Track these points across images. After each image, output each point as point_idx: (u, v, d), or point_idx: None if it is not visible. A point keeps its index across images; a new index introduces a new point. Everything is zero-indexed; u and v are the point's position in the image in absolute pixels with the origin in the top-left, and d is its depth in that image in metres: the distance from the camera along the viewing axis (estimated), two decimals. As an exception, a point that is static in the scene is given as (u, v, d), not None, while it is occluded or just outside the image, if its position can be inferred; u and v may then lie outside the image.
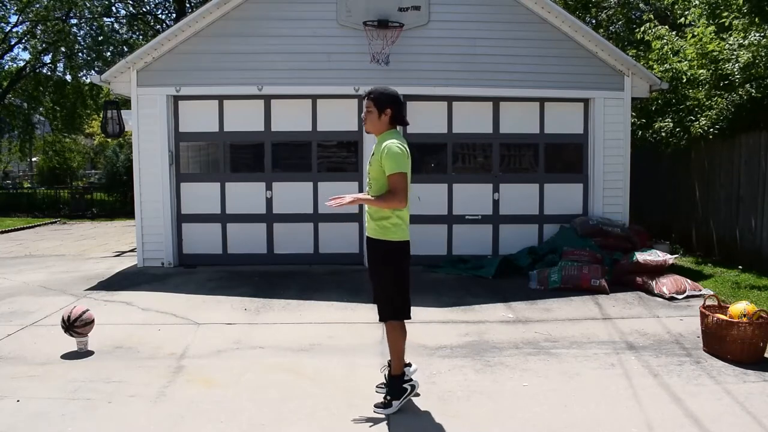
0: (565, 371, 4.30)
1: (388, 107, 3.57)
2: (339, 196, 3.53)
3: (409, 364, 3.80)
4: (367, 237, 3.69)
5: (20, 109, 20.66)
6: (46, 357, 4.60)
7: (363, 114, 3.65)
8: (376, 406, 3.64)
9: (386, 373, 3.82)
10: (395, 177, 3.45)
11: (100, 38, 19.14)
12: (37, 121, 21.80)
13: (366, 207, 3.66)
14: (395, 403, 3.60)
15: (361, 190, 8.08)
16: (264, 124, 8.14)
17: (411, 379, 3.71)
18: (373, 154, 3.60)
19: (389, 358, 3.73)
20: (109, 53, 18.93)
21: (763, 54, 7.42)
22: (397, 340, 3.63)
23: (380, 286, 3.66)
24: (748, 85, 7.77)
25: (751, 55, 7.50)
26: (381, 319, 3.71)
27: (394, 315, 3.63)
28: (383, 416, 3.55)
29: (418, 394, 3.76)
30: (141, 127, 7.91)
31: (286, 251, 8.21)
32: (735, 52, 7.82)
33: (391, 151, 3.45)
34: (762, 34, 7.50)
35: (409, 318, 3.68)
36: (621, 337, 5.07)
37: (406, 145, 3.56)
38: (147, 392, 3.93)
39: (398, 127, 3.69)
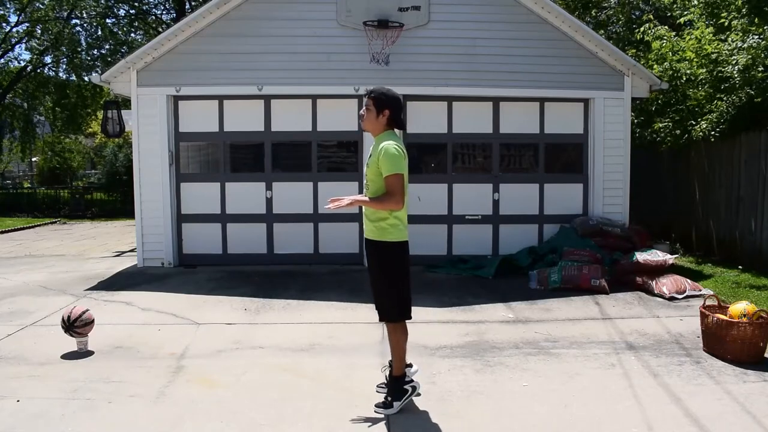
0: (565, 371, 4.30)
1: (387, 108, 3.57)
2: (338, 198, 3.55)
3: (410, 365, 3.79)
4: (366, 239, 3.70)
5: (21, 109, 20.66)
6: (46, 357, 4.60)
7: (362, 110, 3.66)
8: (377, 405, 3.64)
9: (387, 373, 3.81)
10: (392, 178, 3.46)
11: (101, 38, 19.15)
12: (37, 121, 21.80)
13: (364, 208, 3.66)
14: (396, 404, 3.60)
15: (360, 191, 8.08)
16: (264, 124, 8.14)
17: (412, 380, 3.70)
18: (370, 156, 3.61)
19: (390, 359, 3.72)
20: (106, 51, 18.93)
21: (762, 56, 7.41)
22: (398, 341, 3.63)
23: (380, 287, 3.66)
24: (747, 88, 7.77)
25: (750, 57, 7.50)
26: (381, 320, 3.71)
27: (395, 316, 3.63)
28: (383, 416, 3.55)
29: (419, 394, 3.76)
30: (141, 127, 7.91)
31: (286, 251, 8.21)
32: (734, 56, 7.82)
33: (388, 153, 3.45)
34: (761, 36, 7.49)
35: (410, 318, 3.67)
36: (621, 337, 5.07)
37: (403, 147, 3.57)
38: (147, 392, 3.93)
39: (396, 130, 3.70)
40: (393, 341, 3.65)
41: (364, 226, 3.71)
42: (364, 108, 3.64)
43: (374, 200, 3.52)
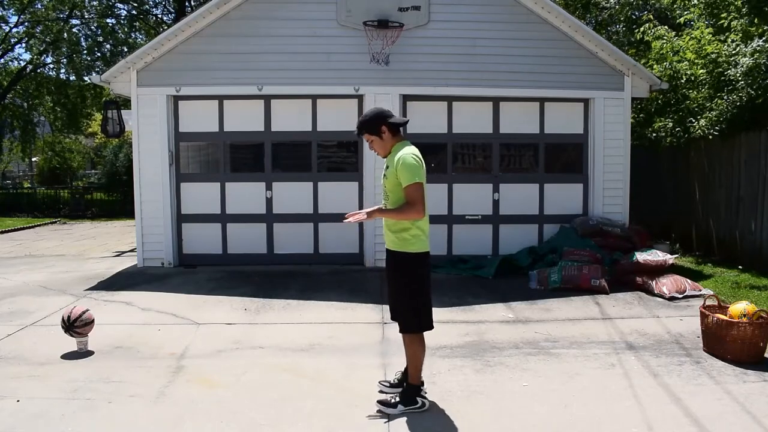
0: (565, 371, 4.30)
1: (380, 125, 3.56)
2: (356, 212, 3.54)
3: (422, 383, 3.75)
4: (387, 249, 3.66)
5: (21, 109, 20.67)
6: (46, 357, 4.60)
7: (369, 146, 3.68)
8: (379, 402, 3.64)
9: (398, 376, 3.85)
10: (412, 187, 3.43)
11: (100, 39, 19.16)
12: (37, 121, 21.81)
13: (384, 219, 3.62)
14: (400, 407, 3.59)
15: (361, 191, 8.08)
16: (264, 124, 8.14)
17: (426, 397, 3.68)
18: (387, 167, 3.59)
19: (405, 366, 3.72)
20: (107, 52, 18.94)
21: (764, 59, 7.40)
22: (415, 354, 3.61)
23: (401, 298, 3.62)
24: (749, 88, 7.76)
25: (753, 60, 7.47)
26: (401, 331, 3.65)
27: (416, 327, 3.60)
28: (384, 415, 3.56)
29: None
30: (141, 127, 7.91)
31: (286, 251, 8.21)
32: (738, 59, 7.79)
33: (406, 162, 3.44)
34: (764, 39, 7.47)
35: (431, 329, 3.63)
36: (621, 337, 5.07)
37: (419, 154, 3.54)
38: (147, 392, 3.93)
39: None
40: (410, 353, 3.63)
41: (384, 237, 3.68)
42: (368, 144, 3.66)
43: (395, 211, 3.50)
